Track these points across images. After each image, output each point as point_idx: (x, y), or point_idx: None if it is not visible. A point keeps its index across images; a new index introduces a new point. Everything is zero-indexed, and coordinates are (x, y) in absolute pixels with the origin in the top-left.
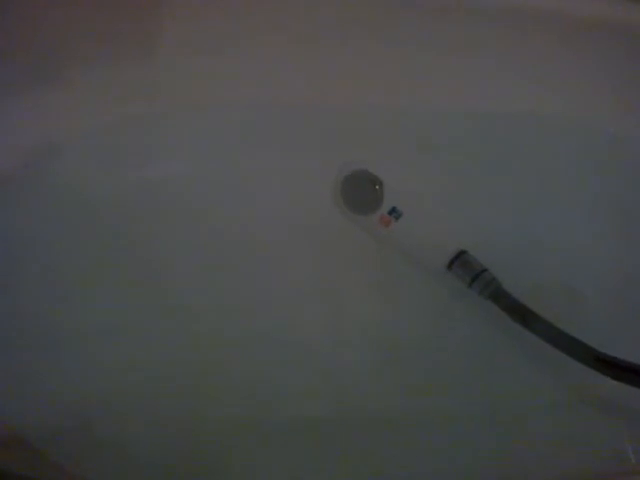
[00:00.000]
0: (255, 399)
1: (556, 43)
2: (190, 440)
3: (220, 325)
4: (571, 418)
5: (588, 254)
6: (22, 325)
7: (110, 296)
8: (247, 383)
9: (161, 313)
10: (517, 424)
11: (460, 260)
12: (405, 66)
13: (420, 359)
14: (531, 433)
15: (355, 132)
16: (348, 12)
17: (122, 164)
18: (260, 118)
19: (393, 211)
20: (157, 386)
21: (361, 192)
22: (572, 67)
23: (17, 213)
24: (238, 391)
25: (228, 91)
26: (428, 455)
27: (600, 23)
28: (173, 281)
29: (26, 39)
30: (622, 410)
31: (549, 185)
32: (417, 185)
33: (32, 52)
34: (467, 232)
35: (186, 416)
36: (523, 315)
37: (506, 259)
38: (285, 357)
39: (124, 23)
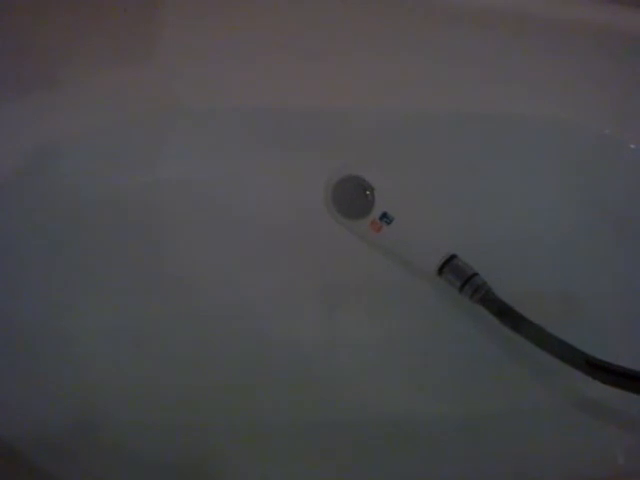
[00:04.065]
0: (255, 400)
1: (542, 46)
2: (191, 444)
3: (220, 326)
4: (561, 422)
5: (580, 256)
6: (22, 328)
7: (111, 298)
8: (247, 384)
9: (161, 314)
10: (506, 428)
11: (450, 265)
12: (397, 71)
13: (410, 362)
14: (520, 437)
15: (346, 138)
16: (343, 18)
17: (122, 166)
18: (255, 123)
19: (384, 216)
20: (159, 390)
21: (352, 197)
22: (557, 69)
23: (17, 214)
24: (239, 393)
25: (227, 95)
26: (415, 456)
27: (586, 26)
28: (173, 282)
29: (26, 40)
30: (612, 414)
31: (540, 187)
32: (408, 190)
33: (32, 53)
34: (457, 236)
35: (187, 419)
36: (513, 319)
37: (497, 262)
38: (282, 357)
39: (125, 25)
